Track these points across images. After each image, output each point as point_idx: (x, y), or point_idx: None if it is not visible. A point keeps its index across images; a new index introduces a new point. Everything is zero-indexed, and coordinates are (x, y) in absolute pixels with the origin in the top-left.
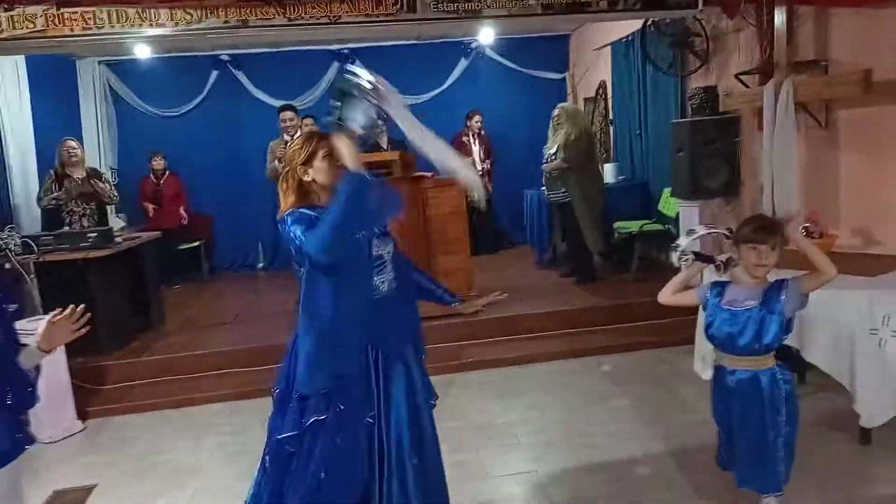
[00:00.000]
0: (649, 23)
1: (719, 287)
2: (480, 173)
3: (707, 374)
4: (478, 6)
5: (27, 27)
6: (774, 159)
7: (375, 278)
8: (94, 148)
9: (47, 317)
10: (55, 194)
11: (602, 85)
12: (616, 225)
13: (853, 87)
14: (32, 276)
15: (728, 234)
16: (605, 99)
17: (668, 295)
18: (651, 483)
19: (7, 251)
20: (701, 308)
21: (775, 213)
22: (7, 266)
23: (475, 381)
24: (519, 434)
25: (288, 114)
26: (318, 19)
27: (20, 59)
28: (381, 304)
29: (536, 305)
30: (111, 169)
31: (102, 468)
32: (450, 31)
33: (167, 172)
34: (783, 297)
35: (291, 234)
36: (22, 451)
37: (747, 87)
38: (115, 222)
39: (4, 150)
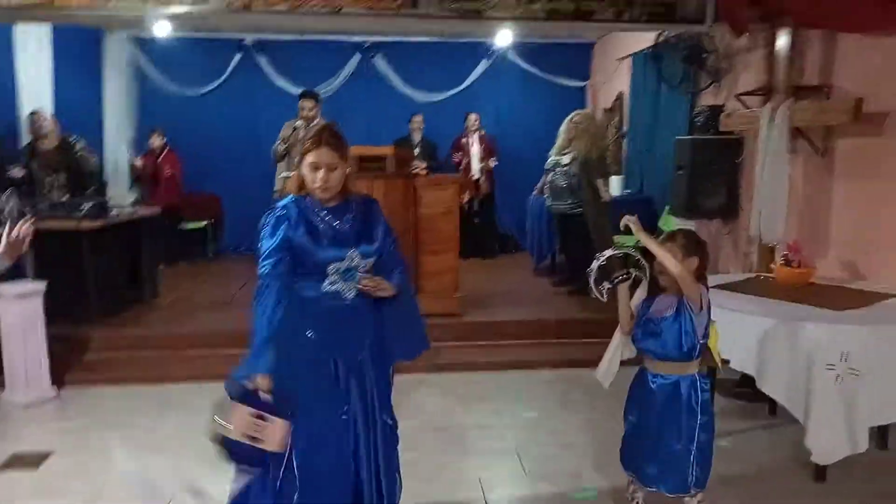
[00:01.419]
0: (662, 37)
1: (650, 300)
2: (477, 175)
3: (607, 383)
4: (480, 7)
5: None
6: (765, 183)
7: (343, 285)
8: (114, 122)
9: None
10: (25, 166)
11: (620, 96)
12: (616, 239)
13: (843, 116)
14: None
15: (632, 253)
16: (622, 110)
17: (626, 328)
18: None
19: (2, 215)
20: None
21: (761, 238)
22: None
23: (444, 383)
24: (472, 439)
25: (308, 102)
26: (320, 8)
27: (46, 28)
28: (344, 312)
29: (522, 313)
30: (130, 146)
31: (63, 435)
32: (468, 30)
33: (166, 149)
34: (688, 305)
35: (261, 234)
36: None
37: (747, 107)
38: (129, 196)
39: (19, 119)
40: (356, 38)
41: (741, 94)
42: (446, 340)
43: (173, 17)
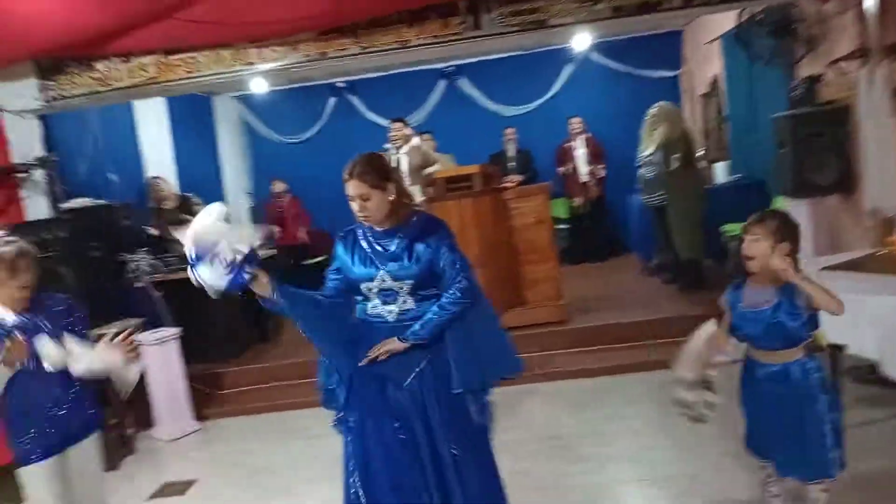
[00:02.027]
0: (745, 14)
1: (738, 290)
2: (586, 179)
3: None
4: (543, 17)
5: (141, 75)
6: (871, 151)
7: (383, 308)
8: (231, 174)
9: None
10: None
11: (715, 80)
12: (723, 228)
13: None
14: (161, 292)
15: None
16: (719, 94)
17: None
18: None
19: (138, 272)
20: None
21: (878, 210)
22: (138, 284)
23: (554, 391)
24: (584, 446)
25: (397, 125)
26: (389, 45)
27: (160, 99)
28: (385, 335)
29: (629, 315)
30: (248, 193)
31: (204, 466)
32: (541, 40)
33: (289, 195)
34: (795, 297)
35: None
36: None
37: (844, 74)
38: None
39: (147, 184)
40: (439, 65)
41: (835, 61)
42: (555, 349)
43: (261, 74)
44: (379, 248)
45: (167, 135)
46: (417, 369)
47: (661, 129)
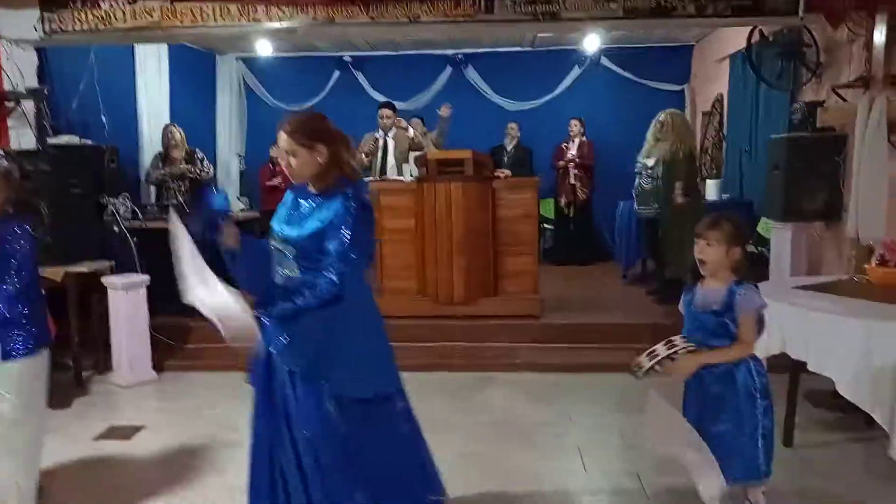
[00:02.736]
0: (756, 35)
1: (691, 292)
2: (573, 180)
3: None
4: (556, 8)
5: (145, 19)
6: (863, 179)
7: (277, 267)
8: (226, 135)
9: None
10: (162, 171)
11: (719, 98)
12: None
13: None
14: (135, 239)
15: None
16: (721, 113)
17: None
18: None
19: (116, 216)
20: None
21: (859, 238)
22: (115, 229)
23: (517, 381)
24: (535, 435)
25: (386, 111)
26: (398, 18)
27: (163, 50)
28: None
29: (600, 317)
30: (238, 156)
31: (156, 413)
32: (552, 36)
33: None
34: (737, 300)
35: None
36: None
37: (845, 101)
38: (237, 204)
39: (139, 129)
40: (448, 52)
41: (838, 87)
42: (523, 341)
43: (266, 33)
44: (294, 209)
45: (166, 86)
46: (276, 344)
47: (669, 143)
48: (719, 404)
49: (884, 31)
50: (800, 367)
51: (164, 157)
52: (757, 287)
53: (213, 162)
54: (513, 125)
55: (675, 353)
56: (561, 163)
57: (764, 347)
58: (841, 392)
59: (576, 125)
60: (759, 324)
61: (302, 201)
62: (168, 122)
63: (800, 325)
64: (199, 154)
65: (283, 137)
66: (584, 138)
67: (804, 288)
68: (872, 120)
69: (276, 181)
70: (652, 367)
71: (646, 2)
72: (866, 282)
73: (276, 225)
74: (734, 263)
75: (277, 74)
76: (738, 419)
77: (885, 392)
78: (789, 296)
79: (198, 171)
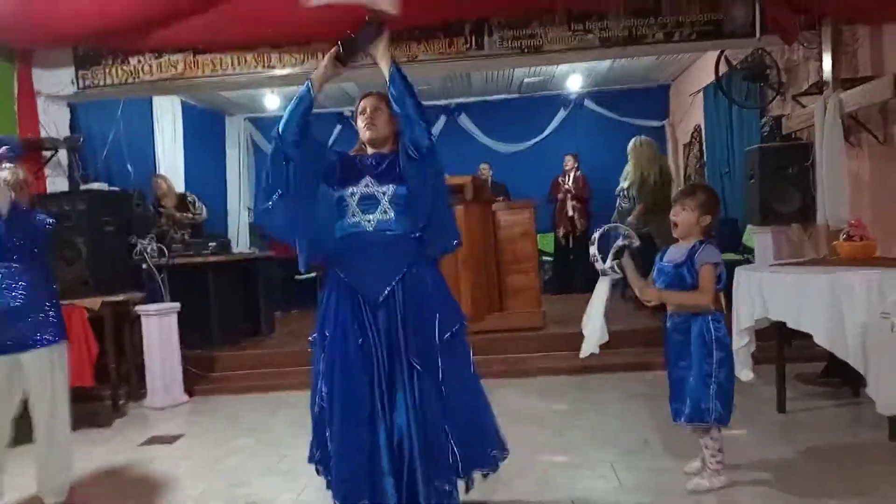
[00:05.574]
0: (723, 65)
1: (665, 251)
2: (570, 212)
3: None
4: (539, 42)
5: (170, 71)
6: (824, 171)
7: (360, 217)
8: (235, 188)
9: None
10: (163, 228)
11: (697, 129)
12: None
13: (888, 91)
14: (163, 274)
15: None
16: (700, 142)
17: (640, 292)
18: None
19: (144, 254)
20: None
21: (829, 225)
22: (144, 266)
23: (525, 384)
24: (543, 419)
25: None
26: (398, 59)
27: (178, 110)
28: (357, 240)
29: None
30: (248, 209)
31: (192, 426)
32: (543, 80)
33: None
34: (697, 254)
35: None
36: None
37: (804, 107)
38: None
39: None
40: (442, 102)
41: (797, 95)
42: (529, 351)
43: (278, 80)
44: (366, 163)
45: (180, 141)
46: (392, 284)
47: (637, 163)
48: (678, 351)
49: (829, 41)
50: (787, 334)
51: (157, 208)
52: (716, 246)
53: (224, 213)
54: (484, 166)
55: (621, 248)
56: (560, 195)
57: (748, 314)
58: (819, 342)
59: (570, 160)
60: (717, 280)
61: (372, 159)
62: (181, 173)
63: (777, 288)
64: (191, 197)
65: (373, 96)
66: (578, 172)
67: (781, 264)
68: (829, 117)
69: None
70: (612, 268)
71: (619, 32)
72: (836, 257)
73: (351, 175)
74: (704, 229)
75: None
76: (691, 365)
77: (855, 338)
78: (768, 269)
79: (192, 214)
